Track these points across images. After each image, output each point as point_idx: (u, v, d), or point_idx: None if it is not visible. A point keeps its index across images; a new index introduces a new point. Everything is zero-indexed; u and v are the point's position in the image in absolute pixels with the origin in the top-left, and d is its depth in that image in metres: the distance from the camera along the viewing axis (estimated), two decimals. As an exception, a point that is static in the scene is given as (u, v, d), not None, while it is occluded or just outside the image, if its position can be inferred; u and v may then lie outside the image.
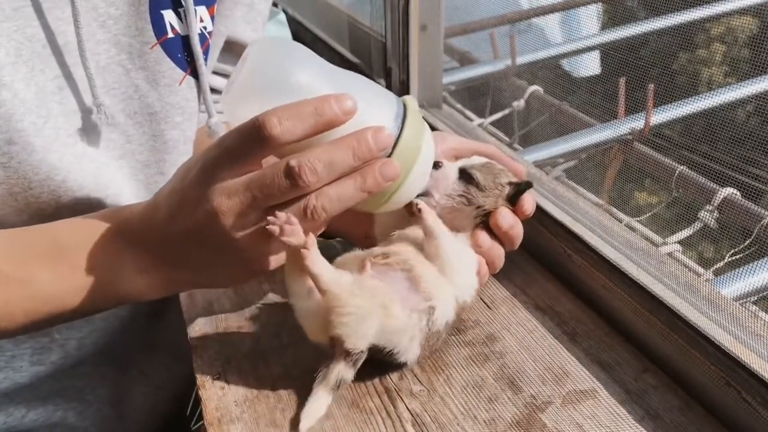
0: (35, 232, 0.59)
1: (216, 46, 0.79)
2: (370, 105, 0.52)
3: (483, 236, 0.60)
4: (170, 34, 0.70)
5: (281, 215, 0.50)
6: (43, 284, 0.56)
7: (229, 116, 0.53)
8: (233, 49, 0.83)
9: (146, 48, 0.68)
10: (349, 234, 0.72)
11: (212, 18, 0.75)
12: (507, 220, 0.60)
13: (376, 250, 0.59)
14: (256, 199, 0.49)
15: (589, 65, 1.19)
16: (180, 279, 0.57)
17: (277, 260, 0.54)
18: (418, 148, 0.53)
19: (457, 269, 0.57)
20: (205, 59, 0.75)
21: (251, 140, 0.48)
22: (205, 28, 0.74)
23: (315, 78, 0.51)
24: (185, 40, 0.71)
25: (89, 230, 0.58)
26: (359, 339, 0.53)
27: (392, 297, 0.54)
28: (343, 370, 0.54)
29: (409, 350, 0.56)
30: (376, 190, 0.51)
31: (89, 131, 0.66)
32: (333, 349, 0.54)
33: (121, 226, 0.57)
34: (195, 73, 0.73)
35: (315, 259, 0.53)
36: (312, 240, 0.52)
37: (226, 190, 0.49)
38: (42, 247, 0.58)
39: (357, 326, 0.53)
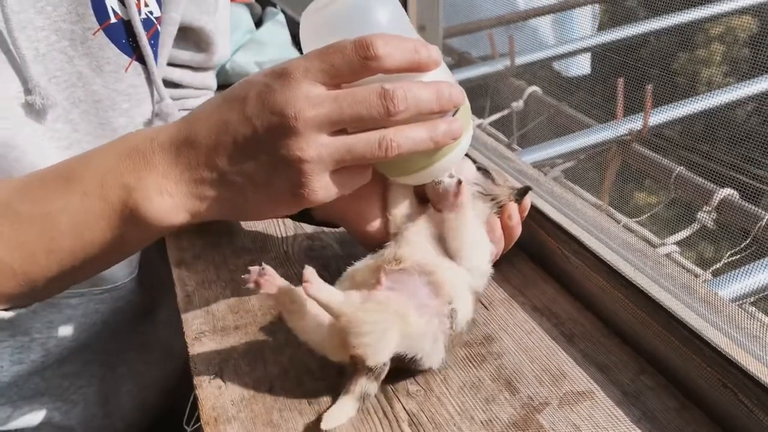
0: (49, 168, 0.56)
1: (169, 34, 0.77)
2: (441, 72, 0.54)
3: (498, 224, 0.63)
4: (113, 20, 0.68)
5: (254, 269, 0.53)
6: (58, 218, 0.53)
7: (305, 42, 0.53)
8: (188, 36, 0.82)
9: (89, 34, 0.67)
10: (352, 225, 0.67)
11: (159, 2, 0.74)
12: (516, 216, 0.63)
13: (388, 253, 0.58)
14: (341, 113, 0.48)
15: (583, 65, 1.19)
16: (205, 195, 0.52)
17: (326, 194, 0.51)
18: (467, 127, 0.56)
19: (476, 248, 0.59)
20: (153, 44, 0.73)
21: (352, 57, 0.47)
22: (151, 12, 0.73)
23: (394, 23, 0.53)
24: (129, 26, 0.70)
25: (101, 155, 0.54)
26: (381, 355, 0.52)
27: (406, 305, 0.54)
28: (366, 384, 0.53)
29: (433, 354, 0.56)
30: (443, 142, 0.52)
31: (33, 119, 0.64)
32: (354, 366, 0.53)
33: (143, 141, 0.53)
34: (142, 59, 0.72)
35: (320, 288, 0.52)
36: (311, 271, 0.52)
37: (313, 99, 0.47)
38: (55, 182, 0.54)
39: (378, 342, 0.52)
